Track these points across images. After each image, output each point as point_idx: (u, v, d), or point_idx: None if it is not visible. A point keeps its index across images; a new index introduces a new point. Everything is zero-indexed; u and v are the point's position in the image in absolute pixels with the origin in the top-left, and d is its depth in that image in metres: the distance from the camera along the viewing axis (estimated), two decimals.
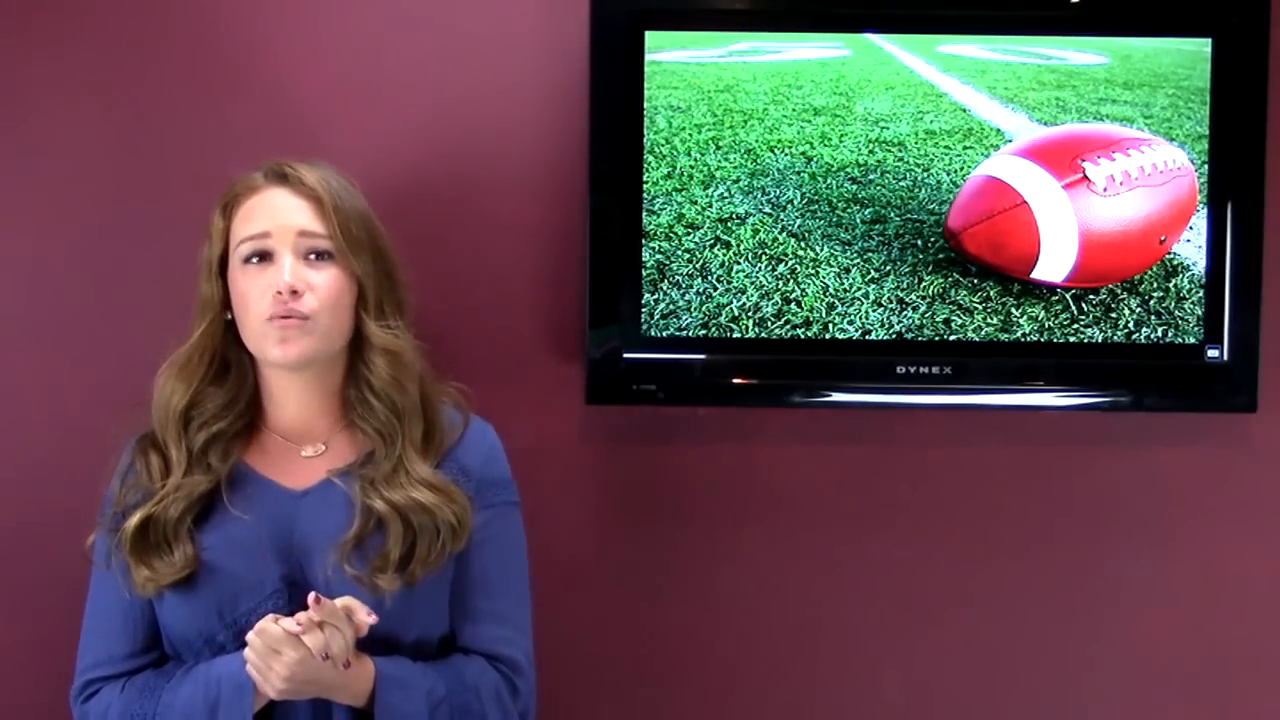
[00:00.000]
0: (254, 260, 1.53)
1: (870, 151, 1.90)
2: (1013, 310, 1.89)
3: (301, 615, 1.42)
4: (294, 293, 1.51)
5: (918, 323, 1.89)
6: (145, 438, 1.58)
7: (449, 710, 1.51)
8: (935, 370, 1.90)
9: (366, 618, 1.44)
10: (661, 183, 1.89)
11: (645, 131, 1.88)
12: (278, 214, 1.54)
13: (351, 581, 1.49)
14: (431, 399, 1.59)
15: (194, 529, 1.53)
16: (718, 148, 1.89)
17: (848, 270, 1.89)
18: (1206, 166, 1.89)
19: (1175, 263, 1.90)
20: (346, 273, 1.54)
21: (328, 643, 1.41)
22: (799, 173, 1.90)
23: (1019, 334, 1.89)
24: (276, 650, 1.41)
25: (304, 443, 1.59)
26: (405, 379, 1.56)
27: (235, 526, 1.53)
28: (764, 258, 1.89)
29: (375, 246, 1.57)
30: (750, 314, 1.89)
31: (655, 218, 1.89)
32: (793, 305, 1.89)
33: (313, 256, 1.54)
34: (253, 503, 1.55)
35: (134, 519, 1.52)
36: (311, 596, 1.41)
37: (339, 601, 1.44)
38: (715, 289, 1.89)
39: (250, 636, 1.43)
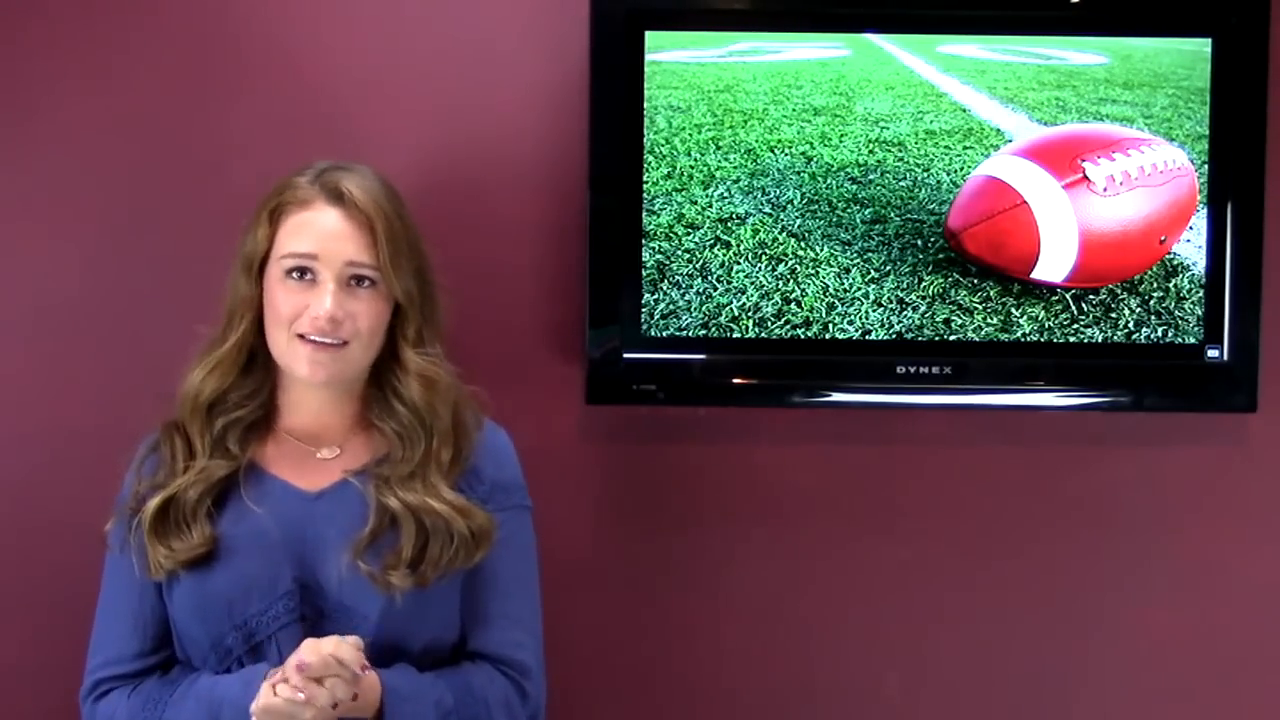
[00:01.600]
0: (295, 275, 1.53)
1: (870, 151, 1.90)
2: (1013, 310, 1.89)
3: (294, 679, 1.38)
4: (334, 321, 1.51)
5: (918, 323, 1.89)
6: (168, 426, 1.58)
7: None
8: (935, 370, 1.90)
9: (359, 668, 1.41)
10: (661, 183, 1.89)
11: (645, 131, 1.88)
12: (328, 238, 1.52)
13: (364, 579, 1.49)
14: (464, 423, 1.59)
15: (212, 512, 1.53)
16: (718, 148, 1.89)
17: (848, 270, 1.89)
18: (1206, 166, 1.89)
19: (1175, 263, 1.90)
20: (388, 298, 1.55)
21: (333, 694, 1.39)
22: (799, 173, 1.90)
23: (1019, 334, 1.89)
24: (290, 716, 1.39)
25: (319, 445, 1.60)
26: (440, 404, 1.56)
27: (251, 520, 1.53)
28: (764, 258, 1.89)
29: (418, 268, 1.57)
30: (750, 314, 1.89)
31: (655, 218, 1.89)
32: (793, 305, 1.89)
33: (354, 282, 1.53)
34: (265, 501, 1.55)
35: (156, 500, 1.52)
36: (293, 668, 1.39)
37: (323, 649, 1.40)
38: (715, 289, 1.89)
39: (255, 710, 1.40)
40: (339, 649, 1.41)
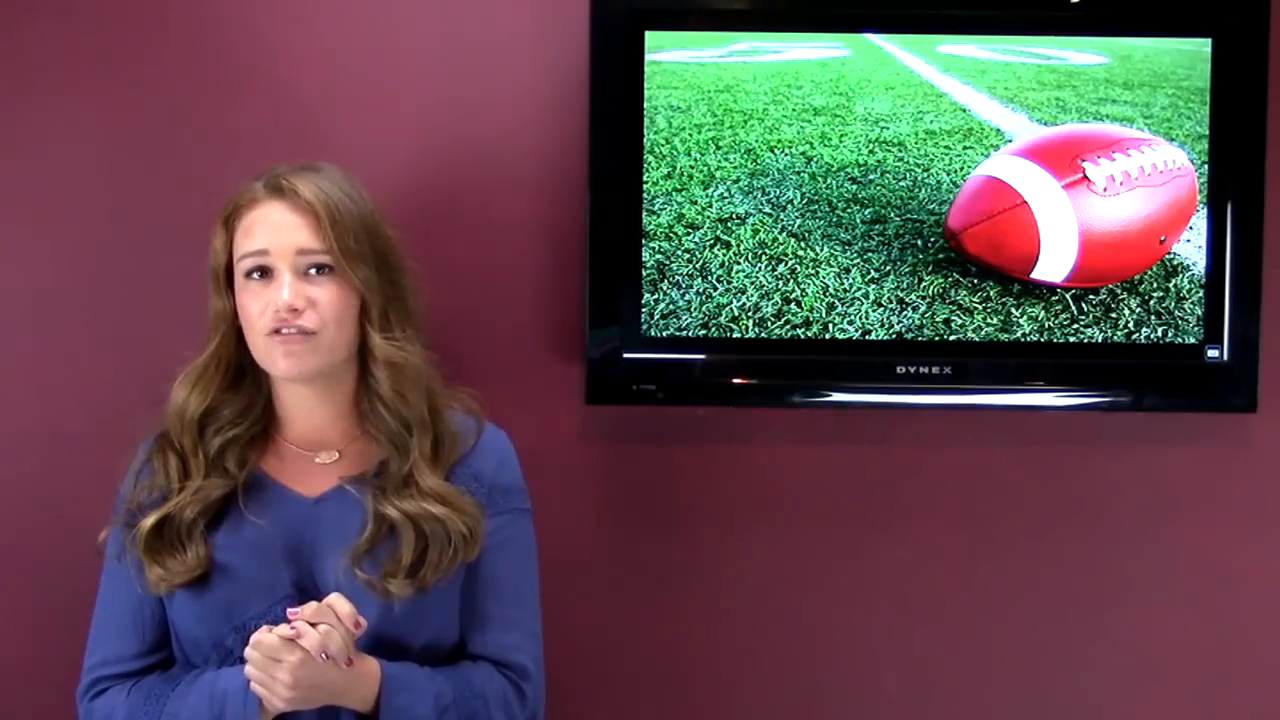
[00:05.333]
0: (255, 275, 1.53)
1: (870, 151, 1.90)
2: (1013, 310, 1.89)
3: (293, 619, 1.42)
4: (294, 310, 1.51)
5: (918, 323, 1.89)
6: (163, 436, 1.58)
7: (457, 716, 1.51)
8: (935, 370, 1.90)
9: (353, 625, 1.43)
10: (661, 183, 1.89)
11: (645, 131, 1.88)
12: (275, 231, 1.53)
13: (362, 586, 1.50)
14: (440, 410, 1.59)
15: (208, 531, 1.54)
16: (718, 148, 1.90)
17: (848, 270, 1.89)
18: (1206, 166, 1.89)
19: (1175, 263, 1.90)
20: (348, 285, 1.54)
21: (324, 641, 1.41)
22: (799, 173, 1.90)
23: (1019, 334, 1.89)
24: (276, 658, 1.41)
25: (318, 450, 1.60)
26: (407, 391, 1.56)
27: (249, 530, 1.54)
28: (764, 258, 1.89)
29: (378, 255, 1.56)
30: (750, 314, 1.89)
31: (655, 218, 1.89)
32: (793, 305, 1.89)
33: (313, 271, 1.53)
34: (266, 509, 1.55)
35: (150, 519, 1.52)
36: (290, 611, 1.43)
37: (325, 601, 1.44)
38: (715, 289, 1.89)
39: (248, 651, 1.42)
40: (336, 600, 1.44)
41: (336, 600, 1.44)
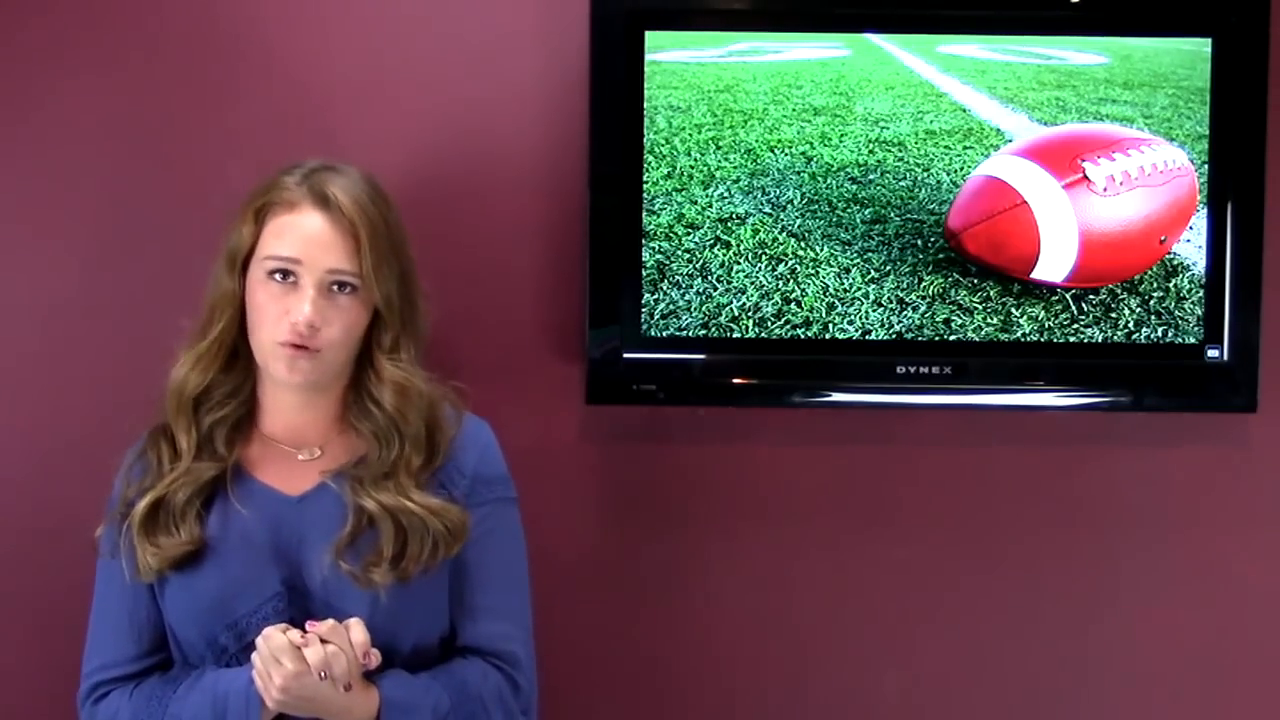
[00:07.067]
0: (277, 277, 1.52)
1: (870, 151, 1.90)
2: (1013, 310, 1.89)
3: (310, 627, 1.43)
4: (313, 327, 1.51)
5: (918, 323, 1.89)
6: (157, 429, 1.59)
7: None
8: (935, 370, 1.90)
9: (363, 655, 1.44)
10: (661, 183, 1.89)
11: (645, 131, 1.88)
12: (311, 244, 1.52)
13: (346, 578, 1.50)
14: (439, 429, 1.58)
15: (201, 513, 1.54)
16: (718, 148, 1.89)
17: (848, 270, 1.89)
18: (1206, 166, 1.89)
19: (1175, 263, 1.90)
20: (366, 303, 1.54)
21: (328, 661, 1.41)
22: (799, 173, 1.90)
23: (1019, 334, 1.89)
24: (278, 660, 1.41)
25: (299, 446, 1.60)
26: (411, 411, 1.56)
27: (237, 522, 1.54)
28: (764, 258, 1.89)
29: (401, 272, 1.56)
30: (750, 314, 1.89)
31: (655, 218, 1.89)
32: (793, 305, 1.89)
33: (336, 288, 1.53)
34: (251, 507, 1.55)
35: (144, 500, 1.53)
36: (309, 623, 1.44)
37: (346, 622, 1.45)
38: (715, 289, 1.89)
39: (259, 640, 1.43)
40: (355, 625, 1.45)
41: (355, 626, 1.45)
